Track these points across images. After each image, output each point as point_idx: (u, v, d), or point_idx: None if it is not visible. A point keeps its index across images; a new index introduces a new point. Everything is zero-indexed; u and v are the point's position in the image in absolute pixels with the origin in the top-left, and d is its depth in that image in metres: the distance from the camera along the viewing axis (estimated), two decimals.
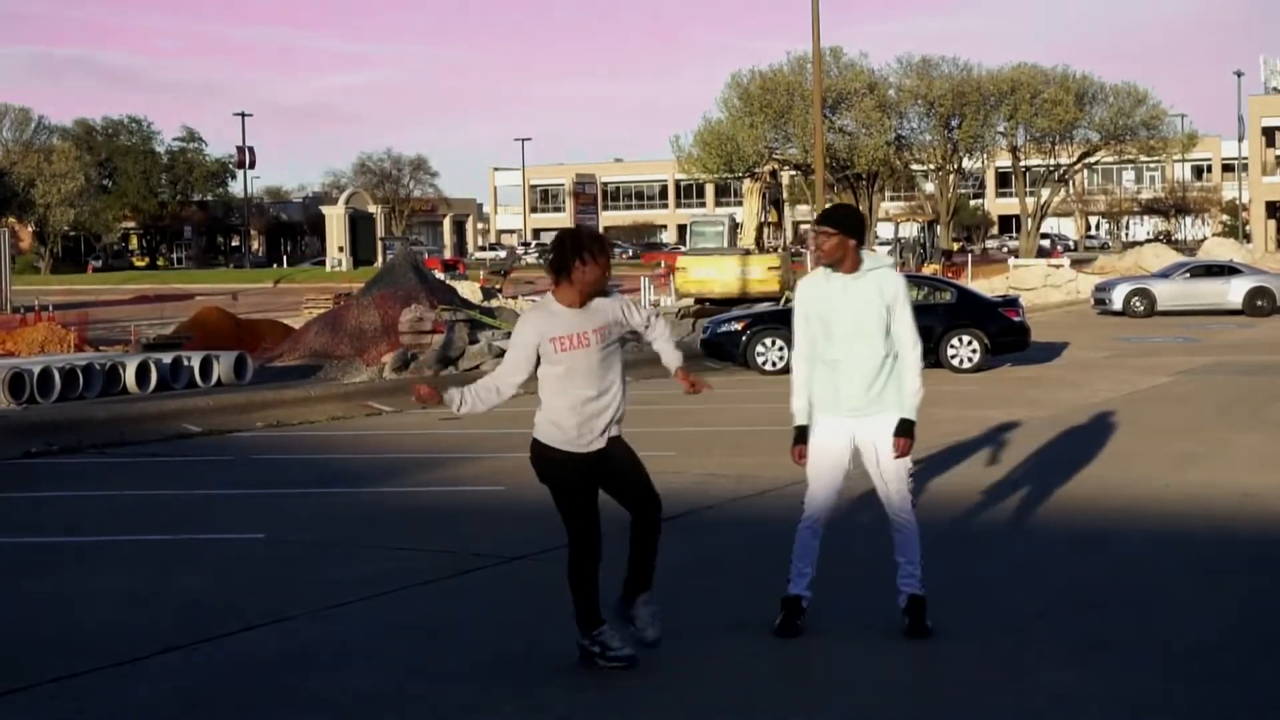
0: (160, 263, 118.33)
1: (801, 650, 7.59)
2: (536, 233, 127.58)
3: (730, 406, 19.60)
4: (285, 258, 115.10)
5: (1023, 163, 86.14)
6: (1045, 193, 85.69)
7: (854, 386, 7.59)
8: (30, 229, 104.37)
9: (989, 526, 10.94)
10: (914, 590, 7.72)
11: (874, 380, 7.57)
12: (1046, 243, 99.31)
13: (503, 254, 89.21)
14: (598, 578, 7.11)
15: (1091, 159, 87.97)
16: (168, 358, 23.15)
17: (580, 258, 6.96)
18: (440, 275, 43.75)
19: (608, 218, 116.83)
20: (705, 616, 8.28)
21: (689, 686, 7.00)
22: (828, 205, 8.30)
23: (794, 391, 7.83)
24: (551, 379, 7.05)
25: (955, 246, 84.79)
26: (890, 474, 7.68)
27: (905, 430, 7.58)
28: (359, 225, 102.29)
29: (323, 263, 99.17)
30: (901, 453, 7.59)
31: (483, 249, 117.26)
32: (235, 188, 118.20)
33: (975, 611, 8.23)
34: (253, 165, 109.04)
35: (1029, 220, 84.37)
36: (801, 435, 7.80)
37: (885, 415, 7.60)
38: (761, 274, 37.83)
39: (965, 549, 10.05)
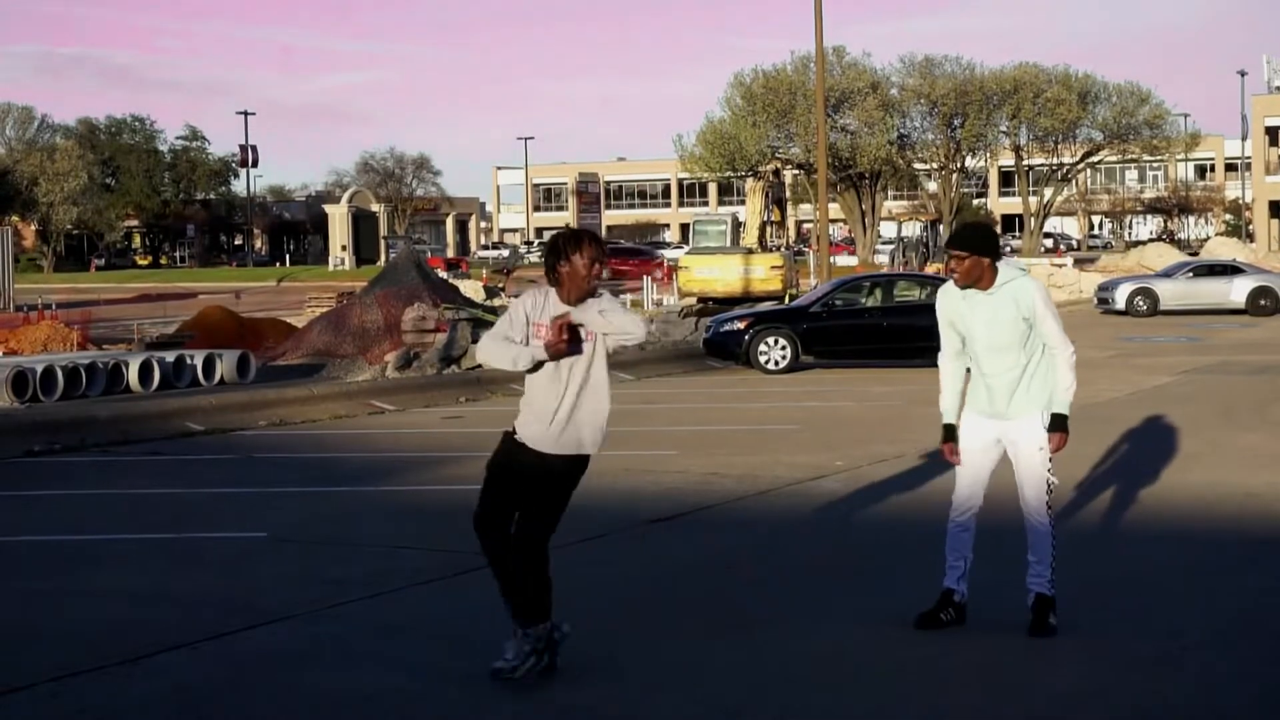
0: (163, 261, 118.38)
1: (803, 650, 7.59)
2: (539, 231, 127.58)
3: (732, 406, 19.61)
4: (288, 257, 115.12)
5: (1026, 162, 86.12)
6: (1048, 192, 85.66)
7: (998, 394, 7.76)
8: (33, 227, 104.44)
9: (990, 526, 10.90)
10: (1041, 589, 7.80)
11: (1015, 387, 7.72)
12: (1049, 242, 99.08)
13: (505, 253, 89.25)
14: (509, 569, 7.00)
15: (1094, 158, 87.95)
16: (170, 356, 23.17)
17: (559, 260, 6.95)
18: (444, 274, 43.77)
19: (610, 217, 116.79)
20: (705, 616, 8.28)
21: (689, 686, 7.00)
22: (958, 226, 8.23)
23: (941, 390, 8.01)
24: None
25: None
26: (1028, 475, 7.82)
27: (1058, 425, 7.71)
28: (362, 224, 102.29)
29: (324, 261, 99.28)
30: (1056, 447, 7.73)
31: (485, 248, 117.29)
32: (238, 186, 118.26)
33: (977, 611, 8.22)
34: (255, 164, 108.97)
35: (1032, 220, 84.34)
36: (949, 433, 7.95)
37: (1027, 417, 7.73)
38: (764, 273, 37.82)
39: None
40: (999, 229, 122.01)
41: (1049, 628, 7.74)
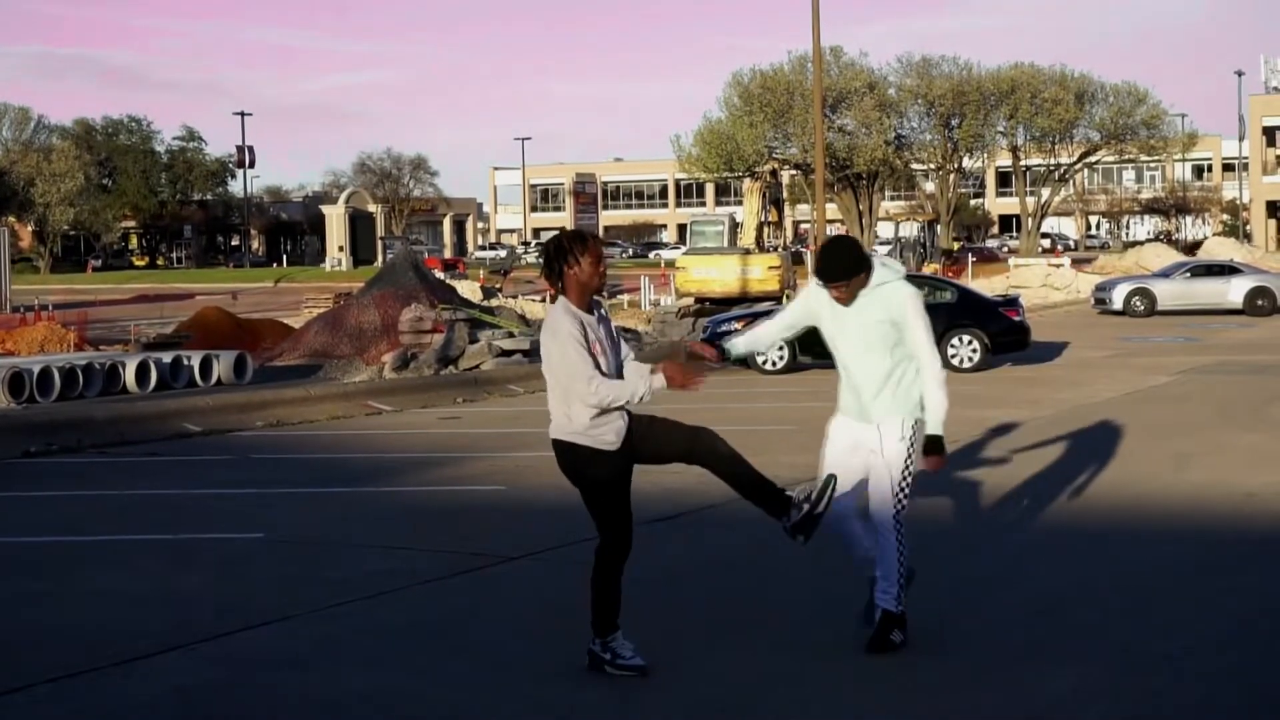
0: (160, 262, 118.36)
1: (803, 649, 7.58)
2: (536, 232, 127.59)
3: (730, 406, 19.59)
4: (285, 257, 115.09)
5: (1023, 162, 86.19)
6: (1045, 192, 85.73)
7: (863, 395, 7.54)
8: (30, 228, 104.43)
9: (989, 526, 10.94)
10: (887, 606, 7.43)
11: (880, 390, 7.49)
12: (1046, 242, 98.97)
13: (503, 253, 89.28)
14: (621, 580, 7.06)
15: (1092, 158, 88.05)
16: (167, 357, 23.17)
17: (566, 261, 6.91)
18: (440, 275, 43.76)
19: (607, 217, 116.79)
20: (705, 616, 8.27)
21: (689, 686, 6.99)
22: (824, 243, 7.84)
23: (750, 331, 7.90)
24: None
25: (955, 246, 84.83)
26: (877, 483, 7.50)
27: (935, 447, 7.44)
28: (359, 225, 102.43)
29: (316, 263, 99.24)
30: (934, 468, 7.51)
31: (483, 248, 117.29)
32: (235, 187, 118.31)
33: (976, 611, 8.22)
34: (252, 165, 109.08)
35: (1029, 220, 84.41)
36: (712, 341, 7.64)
37: (887, 423, 7.47)
38: (762, 273, 37.83)
39: (965, 549, 10.05)
40: (996, 229, 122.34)
41: (889, 644, 7.39)
